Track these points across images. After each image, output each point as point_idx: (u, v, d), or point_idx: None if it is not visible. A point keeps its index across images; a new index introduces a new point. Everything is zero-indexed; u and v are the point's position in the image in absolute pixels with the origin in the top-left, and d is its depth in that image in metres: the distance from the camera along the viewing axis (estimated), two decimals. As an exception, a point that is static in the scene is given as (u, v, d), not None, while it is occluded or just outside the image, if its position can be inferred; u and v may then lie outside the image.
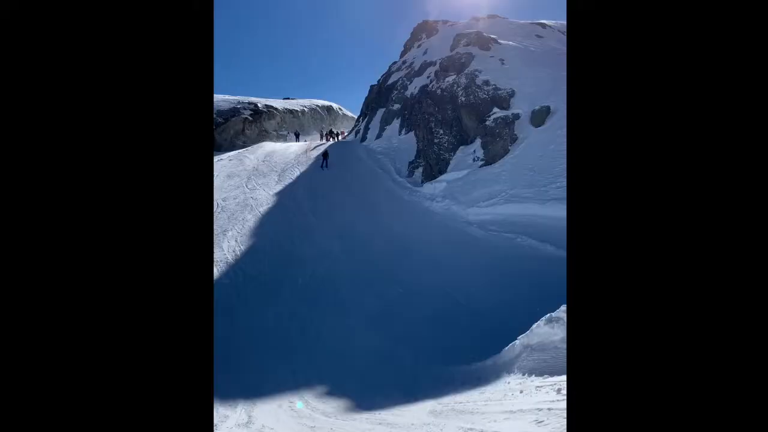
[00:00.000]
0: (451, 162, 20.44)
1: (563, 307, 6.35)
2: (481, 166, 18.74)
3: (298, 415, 6.68)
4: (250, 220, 16.83)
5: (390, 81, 30.20)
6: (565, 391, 4.84)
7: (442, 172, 20.18)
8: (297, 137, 33.83)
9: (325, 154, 23.19)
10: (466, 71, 22.84)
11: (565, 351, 6.01)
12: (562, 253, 11.74)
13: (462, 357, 8.03)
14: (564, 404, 4.48)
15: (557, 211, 13.83)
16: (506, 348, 6.96)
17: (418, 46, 31.39)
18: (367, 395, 7.26)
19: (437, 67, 25.07)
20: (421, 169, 21.33)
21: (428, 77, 25.43)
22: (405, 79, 28.43)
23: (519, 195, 15.81)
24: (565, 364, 5.79)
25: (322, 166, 22.68)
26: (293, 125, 37.72)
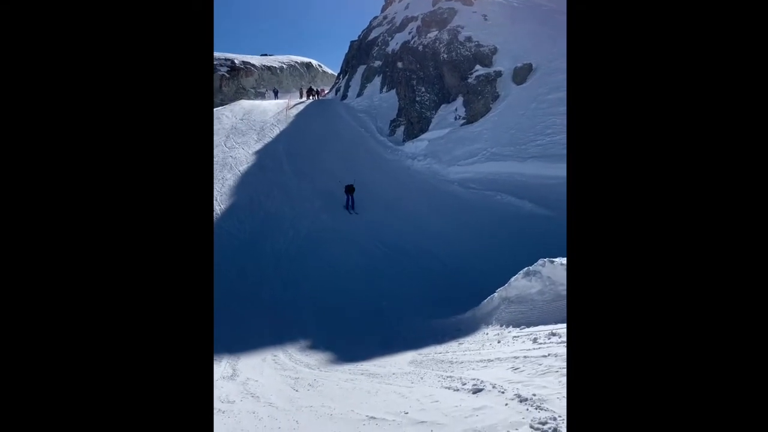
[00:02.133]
0: (432, 120, 20.29)
1: (540, 261, 6.51)
2: (462, 125, 18.66)
3: (282, 368, 6.81)
4: (230, 179, 16.63)
5: (371, 37, 29.34)
6: (540, 341, 5.04)
7: (423, 130, 20.05)
8: (276, 95, 33.07)
9: (349, 189, 14.73)
10: (448, 27, 22.36)
11: (541, 303, 6.22)
12: (541, 210, 11.95)
13: (442, 311, 8.23)
14: (539, 352, 4.67)
15: (537, 169, 13.97)
16: (485, 301, 7.15)
17: (400, 1, 30.47)
18: (349, 348, 7.43)
19: (419, 22, 24.38)
20: (402, 128, 21.13)
21: (410, 33, 24.77)
22: (386, 34, 27.61)
23: (500, 153, 15.87)
24: (540, 315, 6.01)
25: (347, 207, 14.65)
26: (272, 82, 36.89)
